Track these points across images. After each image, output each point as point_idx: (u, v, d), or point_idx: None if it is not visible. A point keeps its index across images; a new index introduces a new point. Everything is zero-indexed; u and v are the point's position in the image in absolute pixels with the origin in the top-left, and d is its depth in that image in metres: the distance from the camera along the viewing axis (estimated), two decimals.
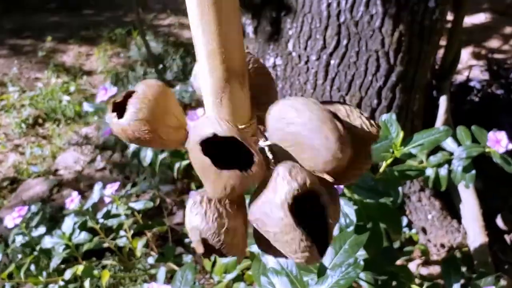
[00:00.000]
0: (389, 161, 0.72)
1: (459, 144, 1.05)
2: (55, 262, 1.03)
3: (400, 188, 0.72)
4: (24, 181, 2.01)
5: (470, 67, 2.35)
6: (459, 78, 2.28)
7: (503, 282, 1.43)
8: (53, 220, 1.52)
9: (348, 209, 0.64)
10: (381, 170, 0.72)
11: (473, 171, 1.02)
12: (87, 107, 1.25)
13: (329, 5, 1.34)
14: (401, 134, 0.71)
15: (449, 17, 1.62)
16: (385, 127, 0.72)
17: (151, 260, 1.22)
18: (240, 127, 0.36)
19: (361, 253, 0.71)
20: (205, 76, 0.34)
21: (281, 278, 0.60)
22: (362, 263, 0.56)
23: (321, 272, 0.61)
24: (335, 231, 0.69)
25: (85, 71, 2.96)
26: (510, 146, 0.99)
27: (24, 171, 2.09)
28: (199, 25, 0.32)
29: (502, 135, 1.00)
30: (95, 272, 1.06)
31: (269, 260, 0.63)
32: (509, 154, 1.04)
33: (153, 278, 1.26)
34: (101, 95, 1.16)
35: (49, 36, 3.33)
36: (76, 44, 3.29)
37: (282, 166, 0.33)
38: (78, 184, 1.93)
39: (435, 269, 1.50)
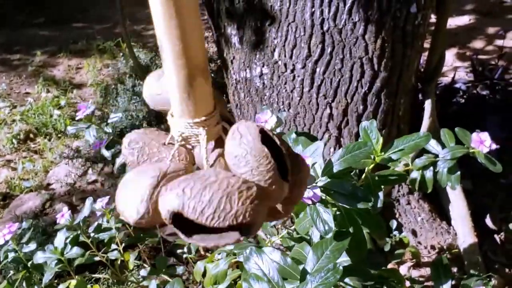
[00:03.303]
0: (370, 167, 0.73)
1: (444, 146, 1.06)
2: (47, 277, 1.04)
3: (381, 193, 0.74)
4: (16, 197, 2.02)
5: (455, 69, 2.38)
6: (444, 80, 2.30)
7: (494, 281, 1.45)
8: (46, 235, 1.52)
9: (326, 216, 0.66)
10: (363, 176, 0.73)
11: (458, 172, 1.04)
12: (70, 130, 1.28)
13: (312, 13, 1.36)
14: (381, 140, 0.72)
15: (433, 19, 1.64)
16: (365, 134, 0.74)
17: (143, 272, 1.23)
18: (205, 117, 0.40)
19: (346, 259, 0.72)
20: (172, 75, 0.38)
21: (262, 284, 0.61)
22: (341, 268, 0.57)
23: (303, 278, 0.62)
24: (318, 235, 0.71)
25: (75, 85, 2.96)
26: (493, 146, 1.00)
27: (16, 186, 2.09)
28: (166, 31, 0.36)
29: (485, 136, 1.01)
30: (88, 286, 1.07)
31: (252, 267, 0.64)
32: (498, 152, 1.05)
33: None
34: (80, 114, 1.20)
35: (38, 51, 3.33)
36: (65, 58, 3.29)
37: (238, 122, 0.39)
38: (71, 198, 1.93)
39: (427, 271, 1.51)
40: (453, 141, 1.05)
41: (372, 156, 0.74)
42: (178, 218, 0.34)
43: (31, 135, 2.50)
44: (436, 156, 1.07)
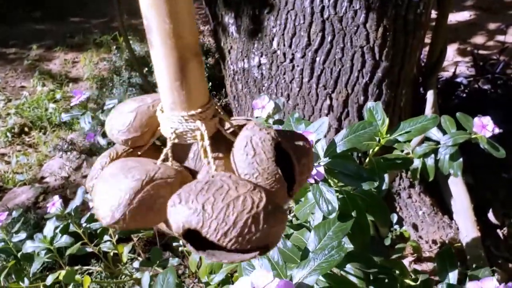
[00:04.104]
0: (375, 149, 0.70)
1: (445, 133, 1.03)
2: (35, 266, 1.01)
3: (386, 176, 0.70)
4: (9, 190, 1.98)
5: (456, 64, 2.35)
6: (446, 74, 2.27)
7: (497, 276, 1.42)
8: (37, 227, 1.48)
9: (330, 196, 0.62)
10: (367, 159, 0.70)
11: (460, 159, 1.00)
12: (64, 117, 1.24)
13: (312, 1, 1.33)
14: (387, 121, 0.69)
15: (434, 15, 1.61)
16: (371, 114, 0.70)
17: (136, 264, 1.19)
18: (201, 109, 0.35)
19: (348, 246, 0.69)
20: (161, 60, 0.33)
21: (262, 260, 0.57)
22: (346, 246, 0.54)
23: (304, 257, 0.58)
24: (319, 219, 0.67)
25: (71, 78, 2.93)
26: (496, 130, 0.97)
27: (10, 180, 2.05)
28: (153, 6, 0.32)
29: (487, 120, 0.98)
30: (78, 277, 1.03)
31: None
32: (498, 140, 1.02)
33: (140, 283, 1.23)
34: (75, 100, 1.16)
35: (34, 45, 3.29)
36: (62, 52, 3.26)
37: (249, 127, 0.35)
38: (65, 191, 1.89)
39: (428, 266, 1.48)
40: (454, 127, 1.01)
41: (377, 139, 0.71)
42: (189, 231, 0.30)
43: (26, 129, 2.46)
44: (438, 143, 1.03)
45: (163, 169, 0.34)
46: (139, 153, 0.40)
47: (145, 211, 0.32)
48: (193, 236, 0.30)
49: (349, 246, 0.69)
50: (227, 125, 0.39)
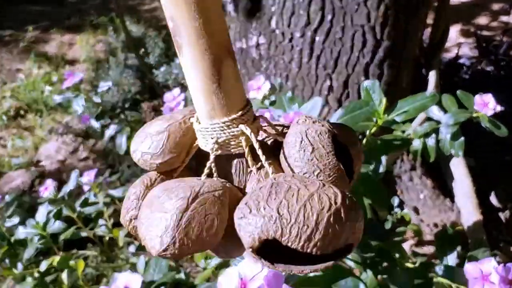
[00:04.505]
0: (372, 130, 0.67)
1: (446, 112, 1.00)
2: (28, 253, 0.98)
3: (383, 158, 0.68)
4: (5, 174, 1.95)
5: (459, 45, 2.30)
6: (448, 56, 2.23)
7: (498, 259, 1.40)
8: (32, 212, 1.46)
9: None
10: (364, 140, 0.67)
11: (462, 138, 0.97)
12: (57, 99, 1.21)
13: None
14: (384, 101, 0.66)
15: None
16: (367, 94, 0.67)
17: (132, 248, 1.17)
18: (238, 114, 0.32)
19: None
20: (195, 63, 0.30)
21: None
22: None
23: None
24: None
25: (68, 61, 2.88)
26: (498, 108, 0.94)
27: (6, 163, 2.03)
28: (179, 3, 0.28)
29: (489, 98, 0.95)
30: (72, 263, 1.01)
31: None
32: (501, 120, 0.99)
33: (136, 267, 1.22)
34: (67, 82, 1.13)
35: (30, 26, 3.24)
36: (58, 34, 3.21)
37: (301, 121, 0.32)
38: (61, 175, 1.87)
39: (429, 249, 1.46)
40: (455, 105, 0.98)
41: (374, 119, 0.68)
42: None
43: (22, 112, 2.43)
44: (438, 122, 1.00)
45: (208, 183, 0.31)
46: (174, 175, 0.36)
47: (196, 231, 0.29)
48: (264, 250, 0.27)
49: None
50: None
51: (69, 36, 3.18)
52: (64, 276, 1.02)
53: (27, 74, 2.76)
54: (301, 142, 0.31)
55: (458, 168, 1.50)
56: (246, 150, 0.32)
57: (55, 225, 1.01)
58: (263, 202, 0.27)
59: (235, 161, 0.34)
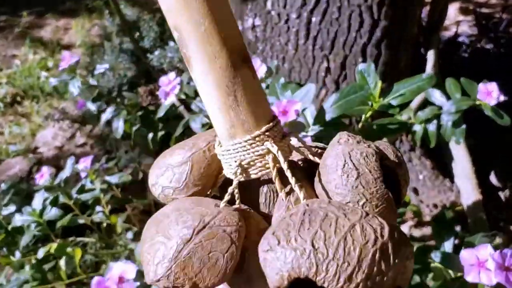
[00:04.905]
0: (368, 114, 0.66)
1: (448, 98, 0.99)
2: (25, 240, 0.98)
3: None
4: (3, 161, 1.95)
5: (458, 23, 2.27)
6: (447, 34, 2.20)
7: (498, 239, 1.40)
8: (29, 199, 1.46)
9: None
10: (359, 125, 0.66)
11: (463, 126, 0.97)
12: (52, 82, 1.19)
13: None
14: (379, 84, 0.65)
15: None
16: (362, 77, 0.66)
17: (130, 235, 1.17)
18: (262, 129, 0.28)
19: None
20: (204, 76, 0.26)
21: None
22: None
23: None
24: None
25: (64, 46, 2.85)
26: (501, 97, 0.93)
27: (3, 151, 2.02)
28: (181, 8, 0.25)
29: (493, 86, 0.94)
30: (70, 250, 1.01)
31: None
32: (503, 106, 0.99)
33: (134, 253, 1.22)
34: (63, 63, 1.10)
35: (25, 11, 3.20)
36: (53, 19, 3.17)
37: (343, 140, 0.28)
38: (59, 161, 1.86)
39: (429, 230, 1.46)
40: (459, 92, 0.98)
41: (370, 103, 0.66)
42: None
43: (18, 98, 2.42)
44: (440, 108, 0.99)
45: (223, 214, 0.27)
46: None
47: (195, 268, 0.26)
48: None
49: None
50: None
51: (65, 20, 3.15)
52: (62, 263, 1.02)
53: (22, 60, 2.73)
54: (344, 165, 0.26)
55: (458, 148, 1.49)
56: (274, 172, 0.28)
57: (52, 212, 1.00)
58: (294, 232, 0.23)
59: (265, 189, 0.31)
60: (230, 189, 0.29)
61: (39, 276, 0.97)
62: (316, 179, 0.28)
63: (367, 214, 0.24)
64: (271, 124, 0.28)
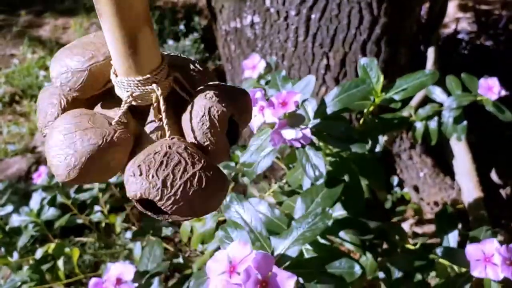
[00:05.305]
0: (370, 109, 0.64)
1: (449, 95, 0.98)
2: (23, 241, 0.97)
3: (380, 138, 0.65)
4: (2, 161, 1.94)
5: (457, 20, 2.26)
6: (447, 31, 2.20)
7: (500, 237, 1.39)
8: (27, 198, 1.45)
9: (317, 160, 0.57)
10: (361, 120, 0.65)
11: (465, 122, 0.96)
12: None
13: None
14: (382, 79, 0.64)
15: None
16: (364, 71, 0.65)
17: (129, 234, 1.16)
18: (155, 71, 0.35)
19: (342, 213, 0.65)
20: (112, 31, 0.32)
21: (241, 232, 0.53)
22: (331, 212, 0.50)
23: (289, 226, 0.54)
24: (308, 185, 0.63)
25: (62, 45, 2.84)
26: (503, 92, 0.92)
27: (2, 150, 2.01)
28: None
29: (494, 82, 0.93)
30: (67, 250, 1.00)
31: (232, 215, 0.56)
32: (503, 102, 0.98)
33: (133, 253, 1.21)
34: None
35: (23, 11, 3.19)
36: (52, 18, 3.16)
37: (208, 96, 0.35)
38: None
39: (430, 228, 1.45)
40: (460, 88, 0.97)
41: (372, 98, 0.65)
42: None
43: (17, 98, 2.41)
44: (441, 105, 0.99)
45: (119, 133, 0.34)
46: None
47: (98, 171, 0.33)
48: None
49: (342, 212, 0.65)
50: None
51: (63, 19, 3.14)
52: (60, 263, 1.01)
53: (21, 59, 2.72)
54: (202, 116, 0.34)
55: (458, 145, 1.48)
56: (154, 105, 0.36)
57: (49, 212, 0.99)
58: (153, 170, 0.31)
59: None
60: (119, 112, 0.35)
61: (37, 277, 0.96)
62: (184, 116, 0.36)
63: (207, 164, 0.32)
64: (158, 70, 0.35)
